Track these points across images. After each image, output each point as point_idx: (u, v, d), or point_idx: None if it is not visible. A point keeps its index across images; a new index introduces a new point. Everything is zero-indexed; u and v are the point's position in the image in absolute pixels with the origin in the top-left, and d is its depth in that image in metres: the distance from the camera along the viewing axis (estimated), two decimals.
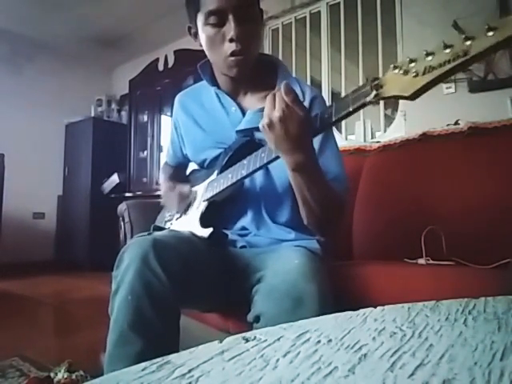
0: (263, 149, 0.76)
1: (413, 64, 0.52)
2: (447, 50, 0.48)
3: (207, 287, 0.83)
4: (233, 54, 0.84)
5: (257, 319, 0.71)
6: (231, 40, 0.83)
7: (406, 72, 0.53)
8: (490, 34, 0.44)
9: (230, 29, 0.82)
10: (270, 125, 0.67)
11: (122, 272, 0.70)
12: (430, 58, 0.50)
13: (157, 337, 0.66)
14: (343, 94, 3.01)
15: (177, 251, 0.75)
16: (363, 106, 0.59)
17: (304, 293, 0.68)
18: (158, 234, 0.80)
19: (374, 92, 0.56)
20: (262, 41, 0.95)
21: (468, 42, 0.46)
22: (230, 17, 0.81)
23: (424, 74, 0.50)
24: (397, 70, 0.54)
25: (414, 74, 0.51)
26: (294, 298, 0.67)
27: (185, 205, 1.01)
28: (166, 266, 0.69)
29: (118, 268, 0.72)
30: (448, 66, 0.48)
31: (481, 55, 0.46)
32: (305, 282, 0.70)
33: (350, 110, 0.61)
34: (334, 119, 0.64)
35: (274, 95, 0.68)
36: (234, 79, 0.92)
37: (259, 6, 0.89)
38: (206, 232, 0.87)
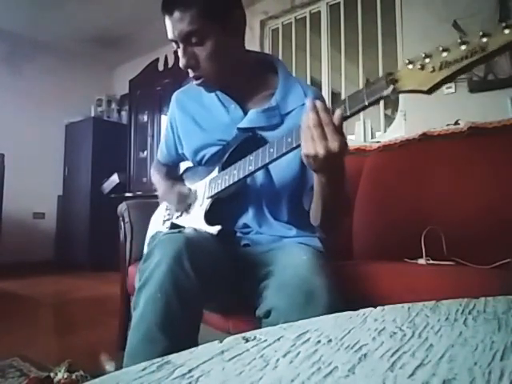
0: (271, 144, 0.76)
1: (428, 59, 0.54)
2: (463, 47, 0.51)
3: (225, 286, 0.83)
4: (193, 78, 0.87)
5: (267, 314, 0.70)
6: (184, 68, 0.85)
7: (422, 67, 0.55)
8: (507, 31, 0.47)
9: (181, 58, 0.84)
10: (328, 156, 0.65)
11: (151, 267, 0.69)
12: (445, 53, 0.52)
13: (181, 336, 0.66)
14: (343, 94, 3.01)
15: (206, 251, 0.75)
16: (379, 99, 0.62)
17: (315, 287, 0.68)
18: (187, 232, 0.79)
19: (392, 86, 0.58)
20: (229, 52, 0.86)
21: (485, 39, 0.49)
22: (180, 45, 0.83)
23: (441, 69, 0.53)
24: (411, 66, 0.56)
25: (431, 70, 0.54)
26: (305, 292, 0.68)
27: (184, 205, 1.00)
28: (197, 266, 0.69)
29: (147, 262, 0.71)
30: (465, 62, 0.51)
31: (498, 51, 0.48)
32: (315, 276, 0.70)
33: (366, 103, 0.63)
34: (348, 113, 0.65)
35: (321, 124, 0.65)
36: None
37: (221, 14, 0.82)
38: (213, 229, 0.87)
